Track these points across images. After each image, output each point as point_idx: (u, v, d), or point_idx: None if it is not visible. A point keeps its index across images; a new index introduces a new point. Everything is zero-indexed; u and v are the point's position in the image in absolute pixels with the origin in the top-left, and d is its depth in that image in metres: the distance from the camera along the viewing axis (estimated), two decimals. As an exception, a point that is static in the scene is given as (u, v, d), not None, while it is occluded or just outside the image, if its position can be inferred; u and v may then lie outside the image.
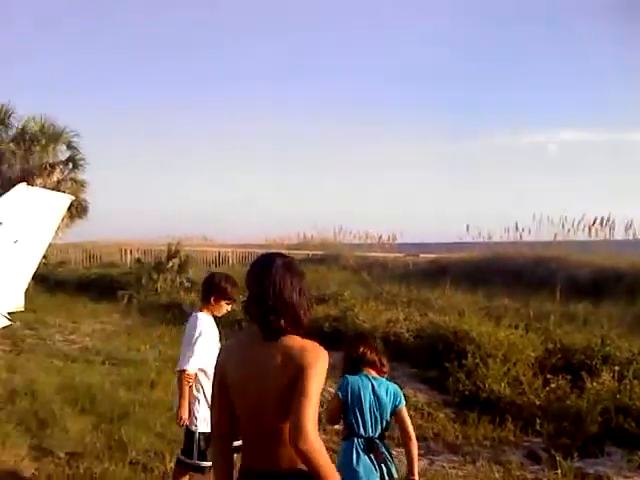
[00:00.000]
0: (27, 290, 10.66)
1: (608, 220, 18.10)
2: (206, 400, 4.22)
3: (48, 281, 17.12)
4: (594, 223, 18.07)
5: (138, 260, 19.23)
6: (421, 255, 20.18)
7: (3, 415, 6.39)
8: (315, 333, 2.47)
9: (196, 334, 4.25)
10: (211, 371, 4.15)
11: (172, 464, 5.24)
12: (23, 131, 23.27)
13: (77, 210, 22.72)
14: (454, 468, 5.53)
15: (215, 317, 4.45)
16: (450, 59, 59.99)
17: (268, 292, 2.26)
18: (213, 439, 2.41)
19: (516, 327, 9.22)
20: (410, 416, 3.35)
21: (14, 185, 10.35)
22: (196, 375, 4.31)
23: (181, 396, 4.37)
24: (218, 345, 4.29)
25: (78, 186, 23.41)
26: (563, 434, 6.22)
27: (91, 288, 17.06)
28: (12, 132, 23.52)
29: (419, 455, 5.62)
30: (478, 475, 5.27)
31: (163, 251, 17.88)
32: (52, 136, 23.33)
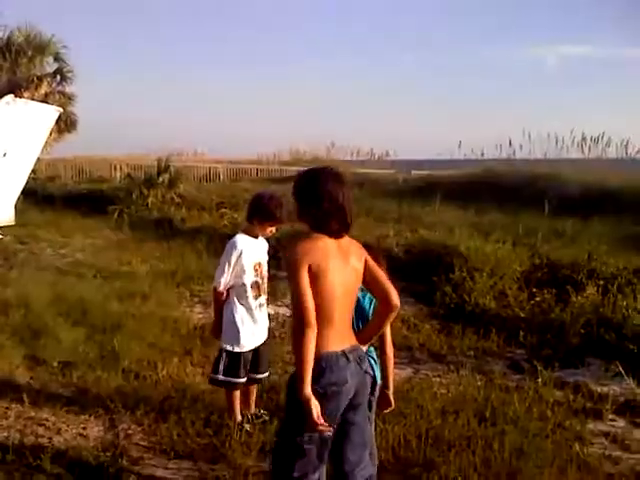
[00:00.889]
0: (17, 205, 10.69)
1: (602, 137, 18.01)
2: (235, 319, 4.29)
3: (37, 196, 17.02)
4: (587, 140, 17.99)
5: (128, 175, 19.06)
6: (413, 172, 20.08)
7: (-4, 326, 6.47)
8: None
9: (230, 254, 4.23)
10: (242, 290, 4.24)
11: (164, 372, 5.39)
12: (9, 42, 22.60)
13: (66, 124, 22.43)
14: (438, 377, 5.68)
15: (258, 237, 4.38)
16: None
17: (324, 199, 2.71)
18: (309, 325, 2.56)
19: (504, 242, 9.31)
20: (396, 327, 3.41)
21: (1, 97, 10.22)
22: (228, 294, 4.32)
23: (215, 313, 4.48)
24: (257, 265, 4.33)
25: (66, 99, 23.02)
26: (545, 346, 6.37)
27: (81, 203, 16.92)
28: (-2, 44, 22.86)
29: (404, 364, 5.84)
30: (461, 383, 5.42)
31: (153, 167, 17.70)
32: (39, 47, 22.71)
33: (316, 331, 2.58)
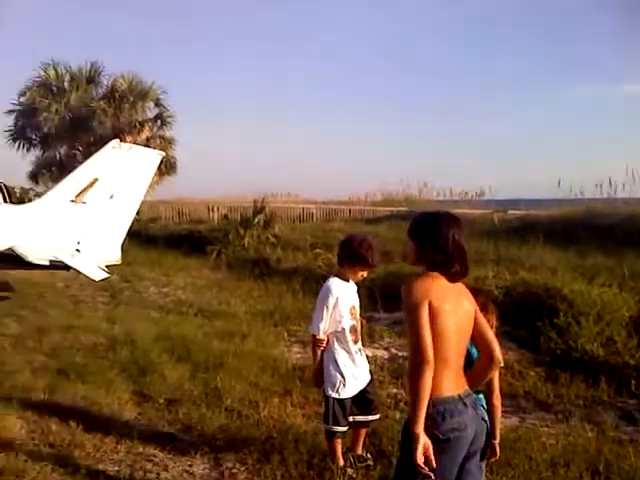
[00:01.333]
0: (122, 244, 11.19)
1: None
2: (337, 365, 4.26)
3: (140, 236, 17.79)
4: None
5: (225, 216, 19.63)
6: (509, 212, 19.62)
7: (106, 363, 6.75)
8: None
9: (326, 300, 4.21)
10: (341, 335, 4.25)
11: (266, 412, 5.44)
12: (113, 89, 23.98)
13: (166, 167, 23.39)
14: (546, 426, 5.44)
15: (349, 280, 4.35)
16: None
17: (447, 243, 2.76)
18: (428, 363, 2.55)
19: (609, 285, 8.90)
20: (500, 374, 3.31)
21: (106, 143, 10.85)
22: (328, 339, 4.30)
23: (314, 360, 4.44)
24: (352, 308, 4.30)
25: (166, 143, 24.07)
26: (660, 396, 6.02)
27: (181, 243, 17.61)
28: (102, 90, 24.29)
29: (510, 412, 5.64)
30: (571, 433, 5.17)
31: (249, 208, 18.17)
32: (140, 94, 23.97)
33: (433, 371, 2.55)
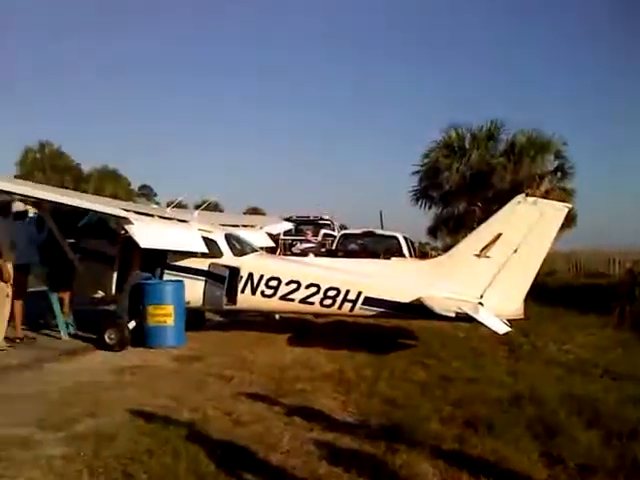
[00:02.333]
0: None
1: None
2: None
3: (535, 290, 17.51)
4: None
5: (630, 271, 18.21)
6: None
7: (511, 417, 6.74)
8: None
9: None
10: None
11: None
12: (513, 144, 24.54)
13: (566, 219, 22.83)
14: None
15: None
16: None
17: None
18: None
19: None
20: None
21: (504, 197, 11.06)
22: None
23: None
24: None
25: (566, 195, 23.55)
26: None
27: (578, 298, 16.86)
28: (502, 146, 25.03)
29: None
30: None
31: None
32: (540, 147, 24.05)
33: None
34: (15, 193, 9.79)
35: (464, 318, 9.80)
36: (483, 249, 10.25)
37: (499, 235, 10.21)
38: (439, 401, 7.55)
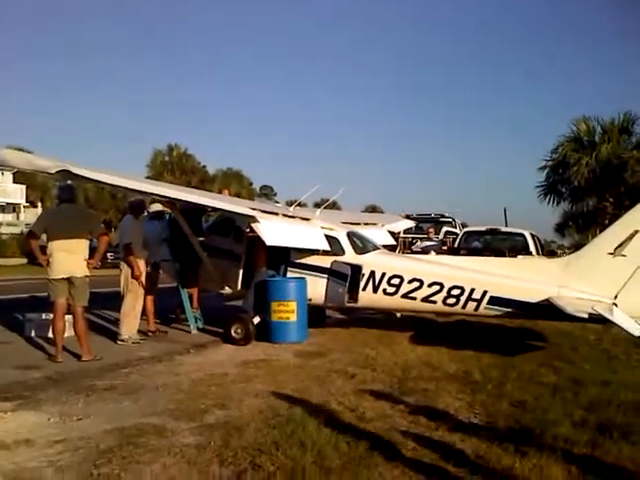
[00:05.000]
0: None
1: None
2: None
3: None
4: None
5: None
6: None
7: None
8: None
9: None
10: None
11: None
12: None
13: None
14: None
15: None
16: None
17: None
18: None
19: None
20: None
21: (638, 193, 10.37)
22: None
23: None
24: None
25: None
26: None
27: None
28: (635, 139, 23.73)
29: None
30: None
31: None
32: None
33: None
34: (151, 194, 10.26)
35: (596, 319, 9.30)
36: (618, 247, 9.68)
37: (635, 232, 9.60)
38: (570, 404, 7.22)
